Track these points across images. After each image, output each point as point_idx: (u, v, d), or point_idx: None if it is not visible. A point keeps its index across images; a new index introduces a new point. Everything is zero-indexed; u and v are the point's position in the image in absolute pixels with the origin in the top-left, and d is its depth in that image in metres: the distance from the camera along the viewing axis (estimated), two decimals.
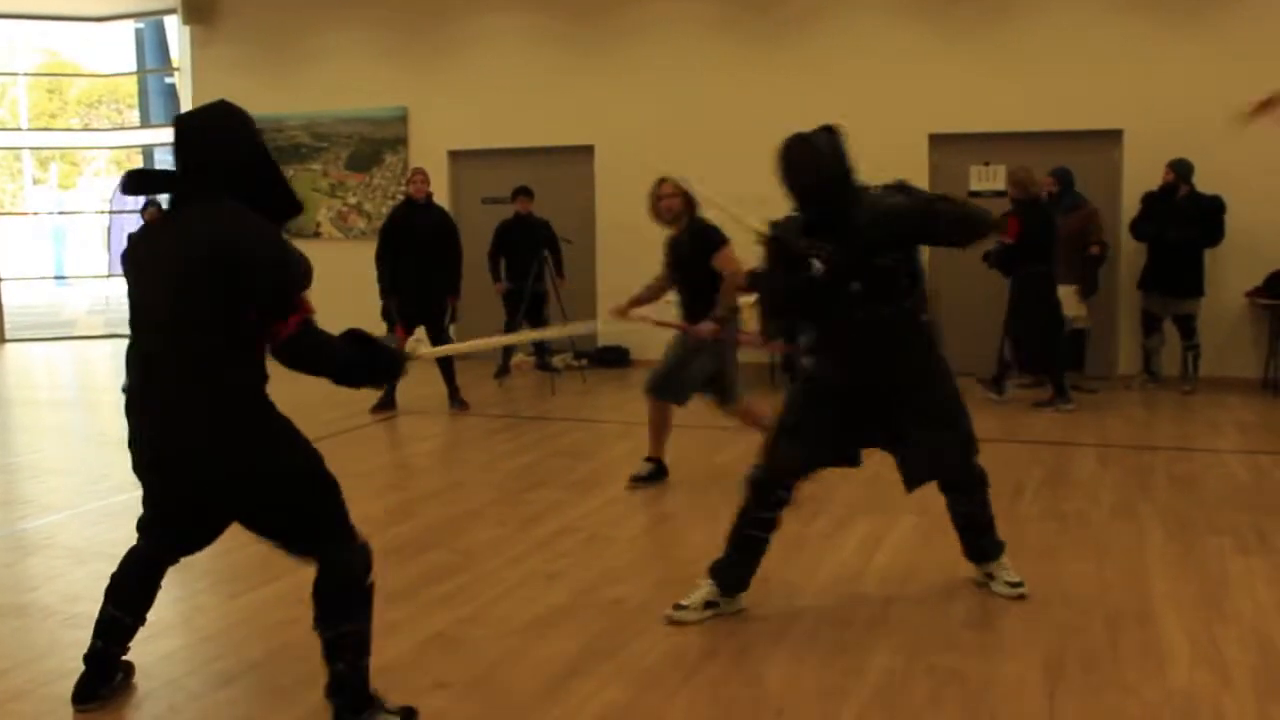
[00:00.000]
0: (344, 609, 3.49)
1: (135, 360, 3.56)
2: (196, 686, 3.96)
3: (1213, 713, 3.66)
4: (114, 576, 3.82)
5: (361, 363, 3.55)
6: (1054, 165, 10.28)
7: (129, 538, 5.88)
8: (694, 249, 6.59)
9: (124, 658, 3.88)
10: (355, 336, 3.57)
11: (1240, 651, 4.16)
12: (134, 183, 3.74)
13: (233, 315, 3.31)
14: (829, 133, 4.43)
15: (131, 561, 3.82)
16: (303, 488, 3.50)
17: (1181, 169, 9.83)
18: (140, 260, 3.55)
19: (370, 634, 3.55)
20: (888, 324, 4.40)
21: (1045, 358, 9.49)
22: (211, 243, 3.29)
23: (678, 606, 4.54)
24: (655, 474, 6.93)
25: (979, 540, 4.89)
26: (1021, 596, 4.71)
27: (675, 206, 6.67)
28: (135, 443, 3.60)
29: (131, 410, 3.61)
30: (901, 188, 4.45)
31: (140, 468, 3.61)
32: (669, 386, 6.80)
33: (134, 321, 3.55)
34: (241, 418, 3.39)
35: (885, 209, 4.34)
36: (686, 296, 6.76)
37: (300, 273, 3.39)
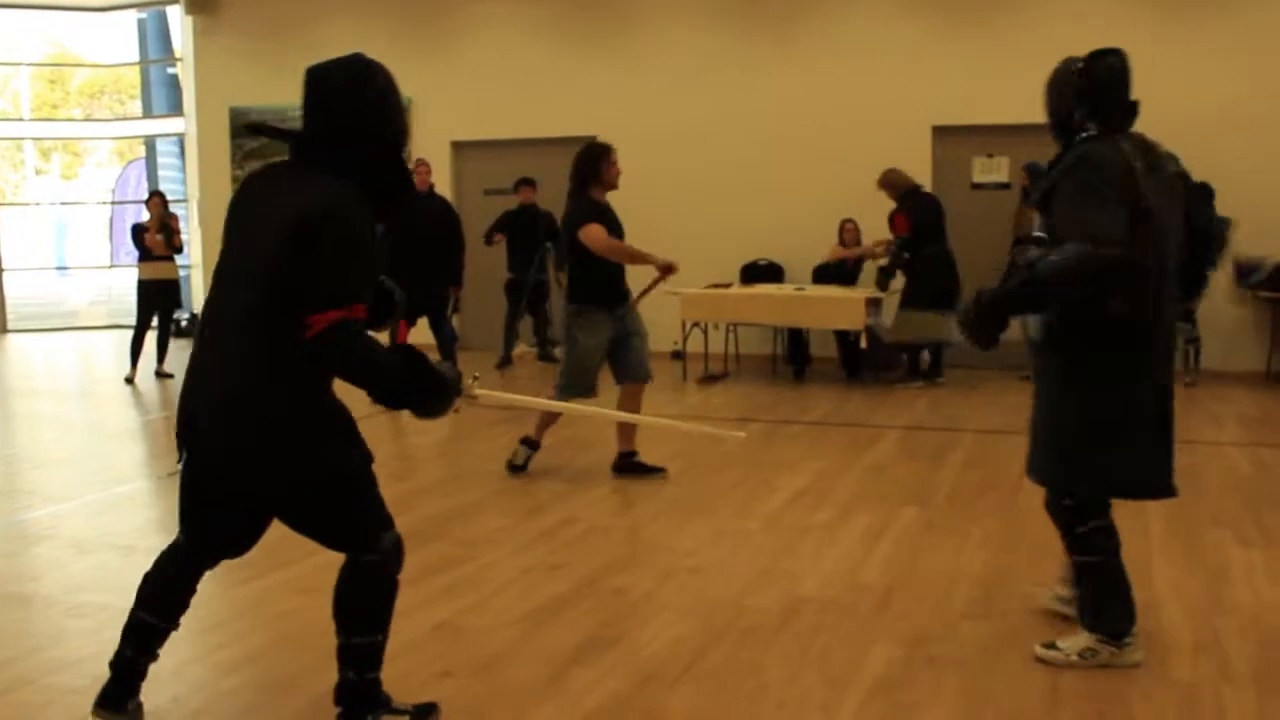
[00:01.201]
0: (359, 620, 3.34)
1: (205, 312, 3.34)
2: (199, 676, 3.97)
3: (1214, 704, 3.67)
4: (145, 577, 3.47)
5: (404, 382, 3.23)
6: (1050, 157, 10.29)
7: (132, 529, 5.90)
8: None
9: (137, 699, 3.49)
10: (409, 354, 3.27)
11: (1241, 643, 4.17)
12: (256, 129, 3.68)
13: (292, 285, 3.04)
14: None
15: (164, 560, 3.48)
16: (332, 492, 3.27)
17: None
18: (235, 211, 3.32)
19: (384, 645, 3.39)
20: None
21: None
22: (305, 209, 3.07)
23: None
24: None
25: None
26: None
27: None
28: (179, 416, 3.29)
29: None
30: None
31: (178, 442, 3.31)
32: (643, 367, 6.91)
33: (215, 270, 3.30)
34: (272, 410, 3.13)
35: None
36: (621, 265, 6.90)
37: (366, 272, 3.14)
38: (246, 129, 3.90)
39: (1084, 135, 3.80)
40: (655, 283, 7.00)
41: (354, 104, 3.23)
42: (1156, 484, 3.93)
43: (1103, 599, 3.94)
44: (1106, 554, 3.93)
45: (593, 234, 6.61)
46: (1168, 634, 4.26)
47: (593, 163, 6.78)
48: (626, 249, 6.76)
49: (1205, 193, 4.04)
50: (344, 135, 3.21)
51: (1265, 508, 6.05)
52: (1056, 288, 3.68)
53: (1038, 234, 3.85)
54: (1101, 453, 3.81)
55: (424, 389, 3.28)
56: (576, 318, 6.73)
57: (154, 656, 3.48)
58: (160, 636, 3.47)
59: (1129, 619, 3.93)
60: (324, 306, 3.01)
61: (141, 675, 3.47)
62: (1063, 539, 4.02)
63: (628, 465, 6.86)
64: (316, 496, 3.25)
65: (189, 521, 3.41)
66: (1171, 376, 3.92)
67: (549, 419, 6.95)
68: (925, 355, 10.67)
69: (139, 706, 3.47)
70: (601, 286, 6.72)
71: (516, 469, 6.93)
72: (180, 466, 3.32)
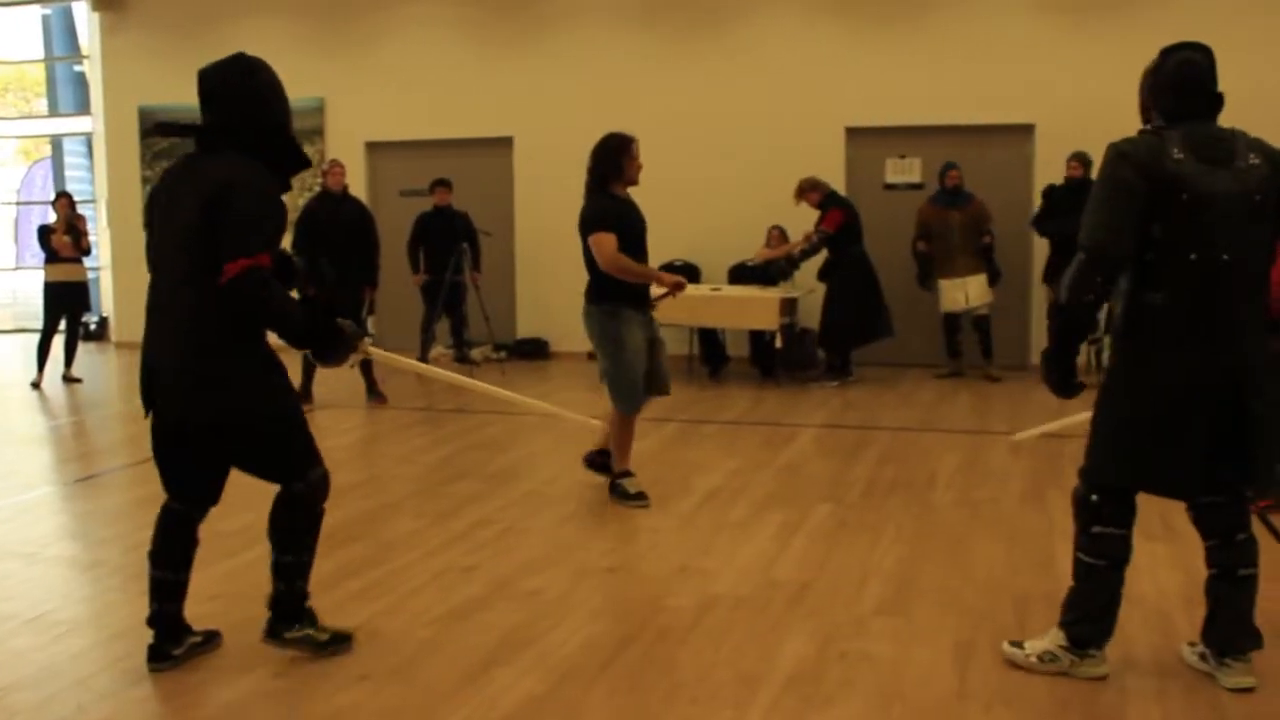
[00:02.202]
0: (288, 539, 3.98)
1: (149, 295, 3.89)
2: (106, 685, 3.90)
3: (1116, 690, 3.76)
4: (152, 538, 4.01)
5: (306, 326, 3.86)
6: (964, 158, 10.52)
7: (37, 536, 5.80)
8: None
9: (210, 628, 4.20)
10: (311, 306, 3.94)
11: (1144, 632, 4.27)
12: (162, 129, 4.08)
13: (212, 243, 3.65)
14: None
15: (162, 520, 4.02)
16: (264, 428, 3.86)
17: (1086, 160, 10.01)
18: (160, 202, 3.88)
19: (311, 562, 4.03)
20: None
21: (852, 332, 10.22)
22: (214, 181, 3.70)
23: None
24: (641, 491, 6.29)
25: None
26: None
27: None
28: (141, 374, 3.92)
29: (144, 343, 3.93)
30: None
31: (143, 400, 3.92)
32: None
33: (150, 261, 3.90)
34: (208, 341, 3.74)
35: None
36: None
37: (269, 227, 3.73)
38: (154, 130, 4.21)
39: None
40: (665, 295, 6.37)
41: (241, 96, 3.85)
42: (1183, 482, 3.78)
43: (1089, 604, 3.83)
44: (1114, 563, 3.81)
45: (602, 245, 5.98)
46: None
47: (612, 158, 6.18)
48: (632, 268, 6.03)
49: None
50: (237, 123, 3.82)
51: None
52: (1076, 305, 3.70)
53: None
54: (1135, 446, 3.72)
55: (323, 335, 3.98)
56: (612, 320, 6.09)
57: (179, 606, 4.05)
58: (177, 588, 4.03)
59: (1103, 635, 3.85)
60: (234, 256, 3.60)
61: (177, 623, 4.05)
62: (1076, 534, 3.87)
63: (599, 463, 6.47)
64: (256, 426, 3.84)
65: (166, 477, 3.98)
66: (1229, 375, 3.65)
67: (623, 443, 6.31)
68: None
69: (192, 645, 4.08)
70: (632, 285, 6.11)
71: (630, 497, 6.22)
72: (150, 425, 3.92)
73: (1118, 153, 3.65)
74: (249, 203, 3.68)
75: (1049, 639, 3.91)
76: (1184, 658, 4.02)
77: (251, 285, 3.62)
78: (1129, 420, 3.72)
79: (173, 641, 4.03)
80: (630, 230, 6.12)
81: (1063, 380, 3.88)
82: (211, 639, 4.17)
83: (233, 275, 3.59)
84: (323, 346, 4.01)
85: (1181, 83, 3.73)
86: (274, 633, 4.03)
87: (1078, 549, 3.87)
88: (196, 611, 4.56)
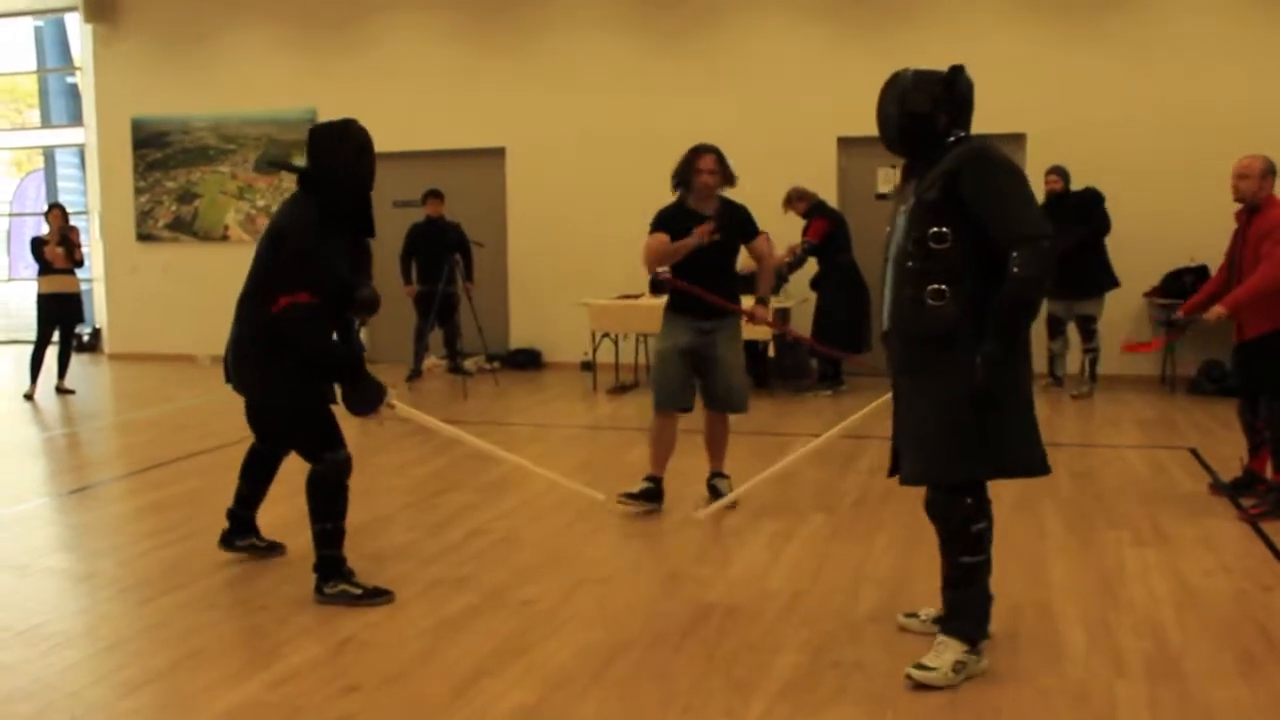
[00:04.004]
0: (314, 510, 4.74)
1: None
2: (99, 697, 3.90)
3: (1105, 699, 3.77)
4: (243, 459, 5.32)
5: (337, 365, 4.66)
6: None
7: (29, 548, 5.80)
8: (729, 231, 6.18)
9: (275, 541, 5.42)
10: (350, 352, 4.80)
11: (1134, 639, 4.29)
12: (272, 164, 5.07)
13: (267, 278, 4.63)
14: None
15: (249, 451, 5.30)
16: (288, 415, 4.81)
17: (1065, 174, 10.10)
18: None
19: (339, 529, 4.77)
20: None
21: (846, 339, 10.16)
22: (277, 223, 4.72)
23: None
24: (651, 494, 6.32)
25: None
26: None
27: (712, 184, 6.18)
28: (225, 353, 4.94)
29: None
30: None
31: (224, 373, 4.98)
32: (735, 395, 6.29)
33: None
34: (259, 345, 4.71)
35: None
36: (711, 279, 6.13)
37: (311, 269, 4.55)
38: (263, 163, 5.31)
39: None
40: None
41: (329, 153, 4.67)
42: (1043, 459, 3.93)
43: (979, 603, 3.95)
44: (987, 554, 3.93)
45: (645, 244, 6.17)
46: (1062, 632, 4.36)
47: (682, 168, 6.22)
48: (656, 252, 6.12)
49: None
50: (323, 175, 4.68)
51: (1160, 508, 6.22)
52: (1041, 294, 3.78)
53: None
54: (997, 435, 3.80)
55: (351, 379, 4.68)
56: (662, 322, 6.31)
57: (251, 513, 5.34)
58: (250, 497, 5.32)
59: (987, 626, 4.01)
60: (282, 292, 4.52)
61: (244, 523, 5.34)
62: (950, 543, 3.92)
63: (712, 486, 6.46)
64: (283, 413, 4.83)
65: (249, 423, 5.13)
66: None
67: (650, 444, 6.37)
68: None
69: (253, 544, 5.37)
70: (678, 293, 6.14)
71: (629, 495, 6.26)
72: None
73: (1002, 151, 3.91)
74: (295, 248, 4.55)
75: (948, 651, 3.88)
76: (903, 624, 4.36)
77: (288, 321, 4.53)
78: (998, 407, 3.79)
79: (238, 535, 5.32)
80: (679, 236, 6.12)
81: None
82: (274, 549, 5.39)
83: (280, 308, 4.51)
84: (351, 392, 4.72)
85: (970, 99, 4.04)
86: (318, 589, 4.77)
87: (960, 555, 3.91)
88: (197, 621, 4.57)
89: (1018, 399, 3.85)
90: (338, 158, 4.64)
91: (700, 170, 6.14)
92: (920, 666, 3.87)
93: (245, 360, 4.77)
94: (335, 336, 4.75)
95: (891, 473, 4.23)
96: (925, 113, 3.96)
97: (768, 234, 6.53)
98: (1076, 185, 10.14)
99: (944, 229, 3.82)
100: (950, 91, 3.97)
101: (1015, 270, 3.67)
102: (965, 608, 3.94)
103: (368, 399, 4.70)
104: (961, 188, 3.79)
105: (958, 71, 4.00)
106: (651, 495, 6.28)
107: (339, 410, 4.80)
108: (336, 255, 4.67)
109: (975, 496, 3.89)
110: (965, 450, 3.82)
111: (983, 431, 3.79)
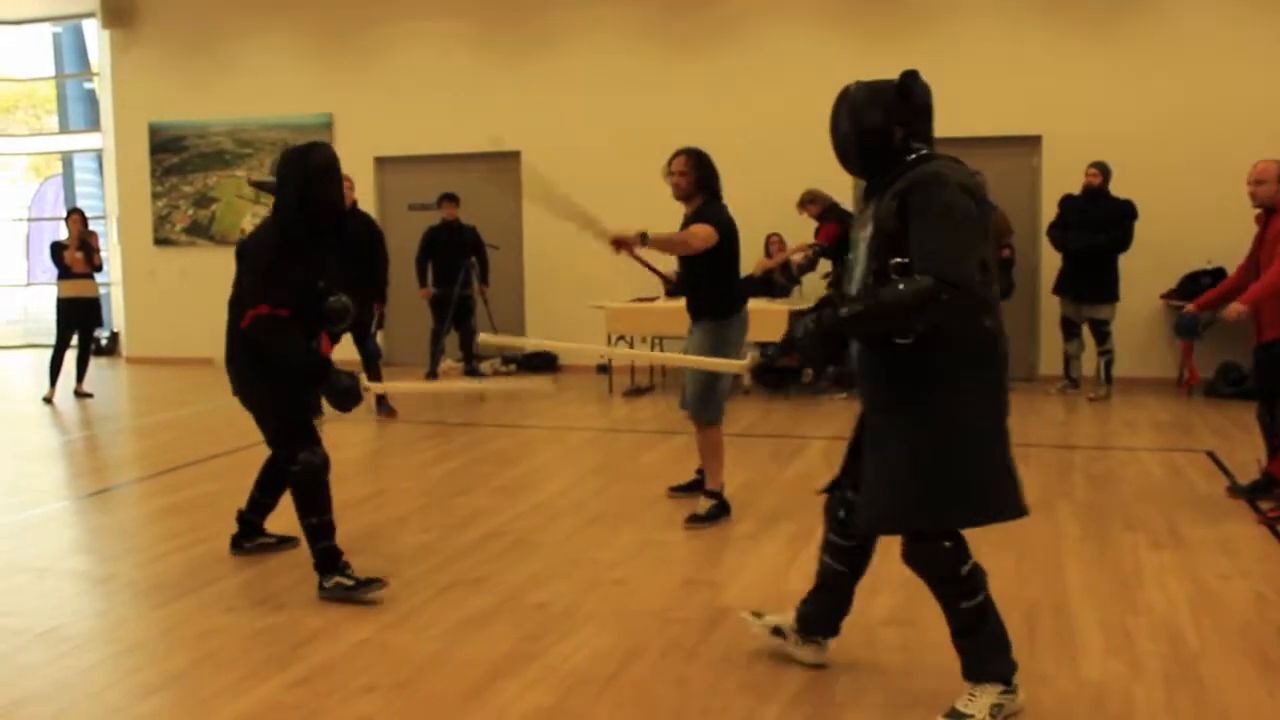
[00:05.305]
0: (302, 506, 4.96)
1: None
2: (117, 699, 3.92)
3: (1123, 701, 3.76)
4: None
5: (304, 372, 4.89)
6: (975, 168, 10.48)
7: (48, 551, 5.83)
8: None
9: (287, 534, 5.58)
10: (317, 359, 4.94)
11: (1151, 642, 4.27)
12: (257, 185, 5.21)
13: (240, 290, 4.97)
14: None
15: (269, 458, 5.46)
16: (264, 410, 5.07)
17: (1106, 170, 10.00)
18: None
19: (325, 525, 4.96)
20: None
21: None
22: (243, 241, 5.08)
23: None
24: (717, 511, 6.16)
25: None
26: None
27: (682, 185, 6.58)
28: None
29: None
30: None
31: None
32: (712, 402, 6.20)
33: None
34: (239, 351, 5.02)
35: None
36: (690, 282, 6.52)
37: (272, 282, 4.80)
38: (252, 185, 5.43)
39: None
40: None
41: (284, 178, 4.90)
42: (1018, 504, 3.59)
43: (996, 638, 3.62)
44: (985, 590, 3.62)
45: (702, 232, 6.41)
46: (1080, 635, 4.35)
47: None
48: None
49: None
50: (278, 197, 4.94)
51: (1176, 510, 6.20)
52: (907, 324, 3.45)
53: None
54: (970, 479, 3.51)
55: (320, 380, 4.89)
56: None
57: (260, 518, 5.60)
58: (261, 505, 5.59)
59: (1012, 656, 3.66)
60: (250, 305, 4.83)
61: (253, 526, 5.60)
62: (944, 592, 3.62)
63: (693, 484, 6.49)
64: (260, 411, 5.08)
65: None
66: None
67: (716, 466, 6.22)
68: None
69: (262, 543, 5.63)
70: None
71: (699, 519, 6.09)
72: None
73: (957, 184, 3.47)
74: (253, 265, 4.89)
75: (984, 695, 3.59)
76: (750, 626, 4.21)
77: (255, 330, 4.83)
78: (959, 457, 3.50)
79: (246, 538, 5.58)
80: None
81: (835, 355, 3.75)
82: (285, 542, 5.61)
83: (249, 320, 4.81)
84: (326, 390, 4.90)
85: (928, 105, 3.69)
86: (320, 586, 4.91)
87: (958, 603, 3.60)
88: (214, 623, 4.59)
89: (993, 439, 3.54)
90: (294, 182, 4.85)
91: (671, 171, 6.52)
92: (951, 714, 3.60)
93: (230, 363, 5.10)
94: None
95: (828, 489, 4.06)
96: (879, 127, 3.59)
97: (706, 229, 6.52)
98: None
99: (906, 260, 3.43)
100: (906, 100, 3.62)
101: (902, 288, 3.34)
102: (984, 651, 3.62)
103: (346, 394, 4.88)
104: (908, 209, 3.44)
105: (911, 77, 3.65)
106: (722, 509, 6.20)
107: (339, 412, 4.97)
108: (299, 271, 4.88)
109: (952, 539, 3.58)
110: (935, 495, 3.51)
111: (953, 476, 3.49)
